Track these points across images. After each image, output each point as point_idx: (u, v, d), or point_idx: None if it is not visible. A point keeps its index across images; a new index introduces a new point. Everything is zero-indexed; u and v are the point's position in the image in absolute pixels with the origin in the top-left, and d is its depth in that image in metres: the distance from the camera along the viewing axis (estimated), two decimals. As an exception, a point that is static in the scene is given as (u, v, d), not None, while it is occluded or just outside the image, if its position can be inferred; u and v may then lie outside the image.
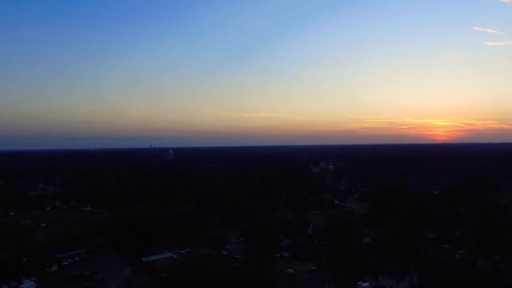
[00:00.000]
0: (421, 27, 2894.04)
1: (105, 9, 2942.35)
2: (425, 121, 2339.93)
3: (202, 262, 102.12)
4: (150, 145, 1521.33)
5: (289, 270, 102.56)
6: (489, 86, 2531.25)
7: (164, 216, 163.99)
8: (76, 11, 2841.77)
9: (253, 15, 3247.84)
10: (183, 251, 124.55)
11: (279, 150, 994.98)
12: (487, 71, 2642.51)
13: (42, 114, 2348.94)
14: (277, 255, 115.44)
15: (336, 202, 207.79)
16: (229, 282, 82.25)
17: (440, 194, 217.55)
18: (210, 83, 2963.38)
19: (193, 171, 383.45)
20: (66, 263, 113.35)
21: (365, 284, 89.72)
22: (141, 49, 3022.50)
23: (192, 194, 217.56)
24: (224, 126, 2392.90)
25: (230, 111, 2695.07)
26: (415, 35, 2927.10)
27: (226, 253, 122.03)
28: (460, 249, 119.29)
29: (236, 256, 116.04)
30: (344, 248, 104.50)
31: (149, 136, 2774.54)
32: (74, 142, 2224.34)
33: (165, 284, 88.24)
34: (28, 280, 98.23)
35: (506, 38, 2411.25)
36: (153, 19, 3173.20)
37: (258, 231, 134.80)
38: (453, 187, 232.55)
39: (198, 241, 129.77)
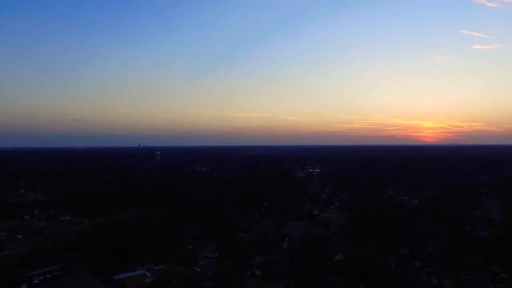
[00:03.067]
0: (410, 30, 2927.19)
1: (97, 8, 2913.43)
2: (414, 123, 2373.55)
3: (172, 283, 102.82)
4: (139, 144, 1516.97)
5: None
6: (476, 88, 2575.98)
7: (141, 228, 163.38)
8: (67, 8, 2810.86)
9: (244, 15, 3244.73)
10: (157, 267, 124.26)
11: (269, 151, 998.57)
12: (474, 74, 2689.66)
13: (31, 112, 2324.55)
14: (249, 273, 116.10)
15: (316, 212, 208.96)
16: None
17: (418, 205, 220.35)
18: (201, 82, 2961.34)
19: (178, 175, 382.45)
20: (37, 281, 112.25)
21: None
22: (132, 47, 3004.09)
23: (172, 202, 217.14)
24: (215, 125, 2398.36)
25: (221, 111, 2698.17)
26: (405, 38, 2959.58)
27: (199, 270, 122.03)
28: (430, 267, 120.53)
29: (209, 274, 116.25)
30: (312, 267, 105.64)
31: (139, 135, 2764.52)
32: (62, 140, 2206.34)
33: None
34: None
35: (493, 41, 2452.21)
36: (144, 18, 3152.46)
37: (233, 246, 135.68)
38: (432, 197, 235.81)
39: (172, 256, 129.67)
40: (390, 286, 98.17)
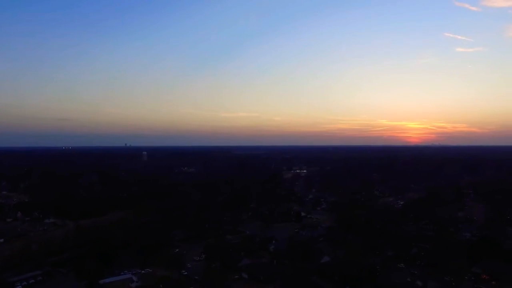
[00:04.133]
0: (395, 32, 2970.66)
1: (83, 5, 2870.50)
2: (399, 124, 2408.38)
3: (158, 287, 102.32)
4: (126, 144, 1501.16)
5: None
6: (460, 90, 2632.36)
7: (127, 230, 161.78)
8: (50, 5, 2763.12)
9: (232, 16, 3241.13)
10: (143, 271, 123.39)
11: (256, 151, 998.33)
12: (457, 76, 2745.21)
13: (14, 111, 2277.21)
14: (236, 276, 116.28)
15: (303, 214, 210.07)
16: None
17: (403, 206, 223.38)
18: (188, 81, 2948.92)
19: (164, 176, 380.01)
20: (20, 286, 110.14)
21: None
22: (119, 46, 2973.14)
23: (159, 204, 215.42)
24: (202, 125, 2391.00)
25: (208, 111, 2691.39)
26: (390, 40, 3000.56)
27: (186, 273, 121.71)
28: (415, 268, 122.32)
29: (196, 277, 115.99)
30: (299, 270, 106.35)
31: (125, 135, 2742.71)
32: (46, 140, 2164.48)
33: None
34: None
35: (475, 44, 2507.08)
36: (130, 16, 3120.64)
37: (220, 249, 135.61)
38: (417, 198, 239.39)
39: (159, 259, 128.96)
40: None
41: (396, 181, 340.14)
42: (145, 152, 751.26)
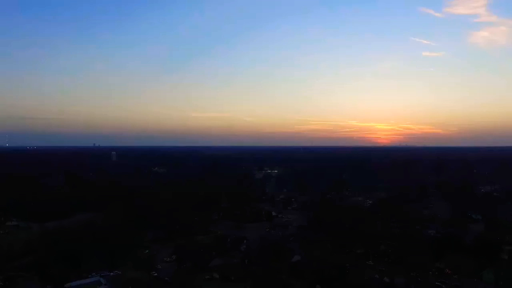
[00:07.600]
0: (365, 36, 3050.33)
1: (47, 2, 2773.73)
2: (368, 125, 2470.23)
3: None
4: (94, 144, 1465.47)
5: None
6: (425, 93, 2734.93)
7: (95, 232, 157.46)
8: (15, 2, 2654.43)
9: (203, 17, 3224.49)
10: (112, 273, 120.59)
11: (228, 151, 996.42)
12: (423, 79, 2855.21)
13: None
14: (208, 277, 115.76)
15: (274, 214, 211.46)
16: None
17: (372, 205, 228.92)
18: (158, 81, 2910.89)
19: (134, 177, 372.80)
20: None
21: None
22: (87, 43, 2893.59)
23: (129, 205, 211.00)
24: (172, 125, 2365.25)
25: (178, 110, 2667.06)
26: (360, 44, 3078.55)
27: (156, 274, 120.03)
28: (383, 265, 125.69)
29: (166, 278, 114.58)
30: (270, 269, 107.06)
31: (93, 134, 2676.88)
32: (9, 139, 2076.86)
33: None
34: None
35: (439, 49, 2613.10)
36: (100, 15, 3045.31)
37: (191, 249, 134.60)
38: (385, 197, 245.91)
39: (129, 261, 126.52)
40: (345, 286, 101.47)
41: (365, 181, 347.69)
42: (114, 152, 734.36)
